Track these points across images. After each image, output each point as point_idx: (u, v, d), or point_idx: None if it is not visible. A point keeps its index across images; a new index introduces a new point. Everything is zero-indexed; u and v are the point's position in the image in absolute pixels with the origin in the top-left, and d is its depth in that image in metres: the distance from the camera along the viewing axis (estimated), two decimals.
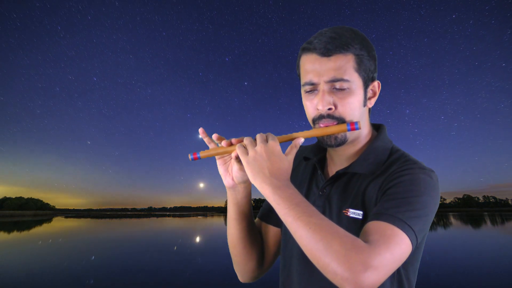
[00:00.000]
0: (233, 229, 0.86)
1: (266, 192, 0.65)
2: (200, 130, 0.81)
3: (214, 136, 0.79)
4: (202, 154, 0.79)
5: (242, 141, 0.75)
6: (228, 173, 0.82)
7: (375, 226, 0.61)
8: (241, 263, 0.89)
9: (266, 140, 0.70)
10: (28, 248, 11.42)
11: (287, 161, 0.70)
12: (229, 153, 0.78)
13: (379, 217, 0.63)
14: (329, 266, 0.54)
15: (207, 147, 0.81)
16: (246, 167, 0.69)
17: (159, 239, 15.45)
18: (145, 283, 5.79)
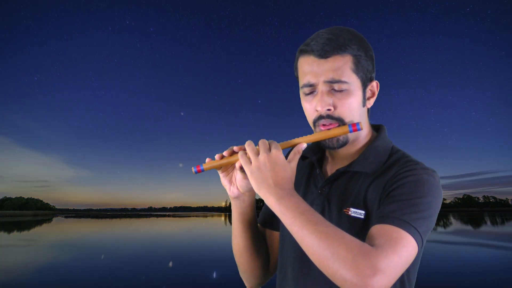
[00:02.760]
0: (239, 239, 0.85)
1: (271, 202, 0.64)
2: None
3: (217, 156, 0.77)
4: (206, 166, 0.77)
5: (244, 148, 0.74)
6: (233, 183, 0.80)
7: (381, 230, 0.60)
8: (248, 271, 0.89)
9: (269, 149, 0.69)
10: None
11: (290, 169, 0.69)
12: (233, 163, 0.76)
13: (384, 220, 0.62)
14: (337, 272, 0.53)
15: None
16: (250, 177, 0.68)
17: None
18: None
